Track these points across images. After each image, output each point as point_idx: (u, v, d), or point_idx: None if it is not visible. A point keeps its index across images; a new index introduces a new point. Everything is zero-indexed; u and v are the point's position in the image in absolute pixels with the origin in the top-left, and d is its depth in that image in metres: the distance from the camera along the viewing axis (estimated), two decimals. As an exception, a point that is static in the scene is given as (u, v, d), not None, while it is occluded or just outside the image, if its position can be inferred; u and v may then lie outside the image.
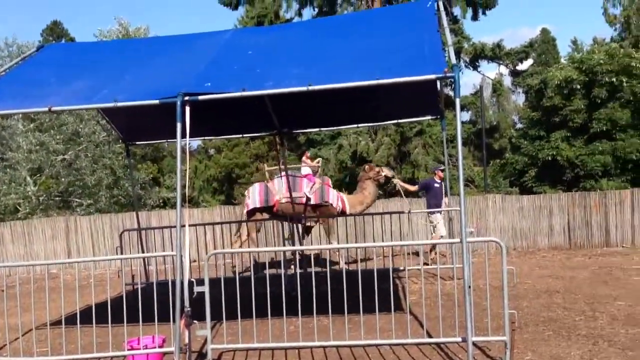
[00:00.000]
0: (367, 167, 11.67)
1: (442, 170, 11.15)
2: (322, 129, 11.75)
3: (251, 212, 10.97)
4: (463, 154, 5.59)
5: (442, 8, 6.03)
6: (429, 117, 10.01)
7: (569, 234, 14.15)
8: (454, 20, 23.78)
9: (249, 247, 10.64)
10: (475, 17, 23.60)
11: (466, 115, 27.00)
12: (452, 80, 5.09)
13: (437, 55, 5.48)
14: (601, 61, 19.11)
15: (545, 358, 5.49)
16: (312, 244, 12.53)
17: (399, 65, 5.55)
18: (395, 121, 10.13)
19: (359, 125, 11.93)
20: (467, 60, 23.43)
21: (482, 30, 77.40)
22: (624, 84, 18.80)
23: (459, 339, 5.47)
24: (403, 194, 12.12)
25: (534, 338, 6.11)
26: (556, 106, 20.00)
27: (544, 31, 46.91)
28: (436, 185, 11.28)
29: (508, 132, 27.50)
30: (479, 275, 8.58)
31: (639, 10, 29.46)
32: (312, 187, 10.93)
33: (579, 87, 19.46)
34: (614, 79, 18.78)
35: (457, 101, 5.24)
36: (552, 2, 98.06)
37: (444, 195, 11.21)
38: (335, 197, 11.06)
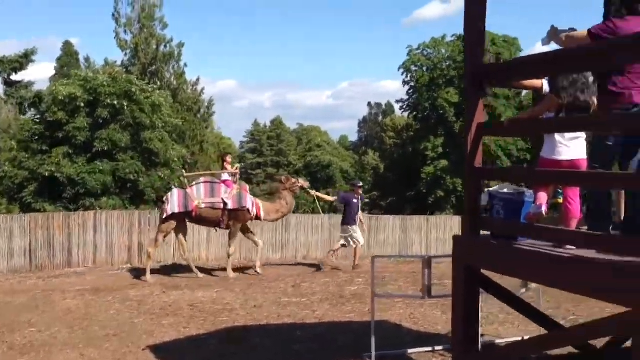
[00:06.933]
0: (283, 178, 12.79)
1: (360, 187, 12.89)
2: None
3: (169, 218, 11.47)
4: None
5: None
6: None
7: (30, 255, 13.61)
8: None
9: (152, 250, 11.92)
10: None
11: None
12: None
13: None
14: (105, 83, 19.68)
15: None
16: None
17: None
18: None
19: None
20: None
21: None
22: (125, 108, 19.79)
23: None
24: (319, 209, 13.77)
25: None
26: (60, 122, 19.57)
27: (67, 44, 46.26)
28: (354, 200, 12.35)
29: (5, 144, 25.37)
30: None
31: (147, 40, 31.72)
32: (229, 193, 11.61)
33: (83, 105, 19.52)
34: (115, 102, 19.54)
35: None
36: (75, 18, 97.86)
37: (359, 210, 12.44)
38: (251, 203, 11.87)
